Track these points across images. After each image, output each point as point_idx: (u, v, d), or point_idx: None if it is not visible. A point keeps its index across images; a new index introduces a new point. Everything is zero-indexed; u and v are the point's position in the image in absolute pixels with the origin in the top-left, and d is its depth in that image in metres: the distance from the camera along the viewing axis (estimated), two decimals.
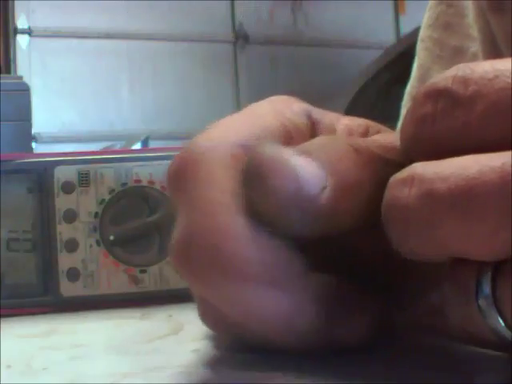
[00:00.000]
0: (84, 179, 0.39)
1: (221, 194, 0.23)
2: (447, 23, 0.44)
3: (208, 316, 0.26)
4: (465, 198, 0.18)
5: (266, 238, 0.22)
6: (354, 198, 0.22)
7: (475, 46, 0.42)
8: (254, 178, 0.22)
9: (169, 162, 0.40)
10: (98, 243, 0.39)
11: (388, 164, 0.22)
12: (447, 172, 0.19)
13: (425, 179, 0.19)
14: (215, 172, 0.23)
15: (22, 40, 2.62)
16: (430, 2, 0.47)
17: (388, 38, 2.94)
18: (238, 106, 2.66)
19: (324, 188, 0.21)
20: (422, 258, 0.20)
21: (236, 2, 2.91)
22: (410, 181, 0.19)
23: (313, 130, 0.27)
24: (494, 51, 0.39)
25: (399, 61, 2.04)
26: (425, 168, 0.19)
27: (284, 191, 0.21)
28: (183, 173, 0.24)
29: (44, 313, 0.38)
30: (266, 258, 0.22)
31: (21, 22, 2.62)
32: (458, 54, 0.43)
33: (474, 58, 0.42)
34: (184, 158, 0.24)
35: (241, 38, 2.90)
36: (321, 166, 0.21)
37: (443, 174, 0.19)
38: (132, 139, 2.04)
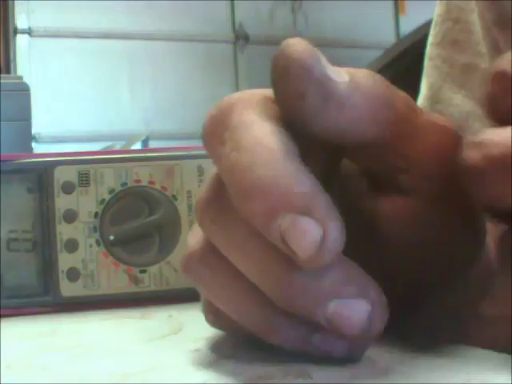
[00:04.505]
0: (84, 179, 0.39)
1: (264, 135, 0.23)
2: (455, 40, 0.44)
3: (209, 314, 0.27)
4: None
5: (311, 181, 0.22)
6: (376, 107, 0.24)
7: (485, 62, 0.42)
8: (279, 70, 0.23)
9: (169, 162, 0.40)
10: (97, 243, 0.39)
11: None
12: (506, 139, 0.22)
13: (489, 145, 0.22)
14: (252, 113, 0.24)
15: (21, 40, 2.62)
16: (435, 19, 0.46)
17: (388, 38, 2.94)
18: None
19: (344, 82, 0.23)
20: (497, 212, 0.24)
21: (236, 2, 2.91)
22: (478, 144, 0.23)
23: None
24: None
25: (399, 61, 2.04)
26: (490, 134, 0.23)
27: (305, 76, 0.23)
28: (220, 119, 0.24)
29: (44, 313, 0.38)
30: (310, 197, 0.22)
31: (21, 22, 2.62)
32: (467, 71, 0.43)
33: (485, 73, 0.42)
34: (218, 107, 0.25)
35: (241, 38, 2.91)
36: (344, 71, 0.24)
37: (502, 141, 0.22)
38: (132, 139, 2.04)
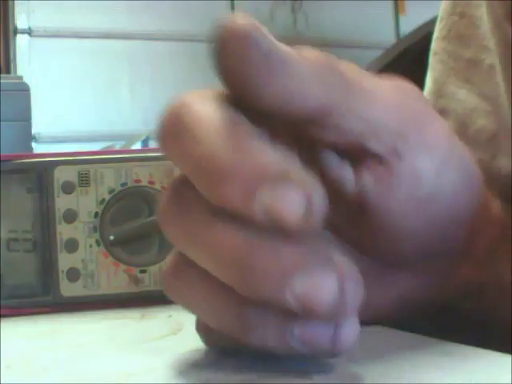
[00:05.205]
0: (84, 179, 0.39)
1: (220, 121, 0.23)
2: (460, 35, 0.44)
3: (201, 331, 0.27)
4: None
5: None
6: (322, 71, 0.24)
7: (490, 58, 0.42)
8: (222, 44, 0.23)
9: (169, 162, 0.40)
10: (97, 243, 0.39)
11: None
12: None
13: None
14: (203, 103, 0.24)
15: (21, 40, 2.62)
16: (441, 14, 0.46)
17: (388, 38, 2.94)
18: None
19: (289, 52, 0.24)
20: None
21: (236, 2, 2.91)
22: None
23: None
24: None
25: (399, 61, 2.04)
26: None
27: (242, 50, 0.23)
28: (173, 117, 0.24)
29: (44, 313, 0.38)
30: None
31: (21, 22, 2.62)
32: (472, 66, 0.43)
33: (490, 69, 0.42)
34: (169, 107, 0.25)
35: None
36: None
37: None
38: (132, 139, 2.04)
